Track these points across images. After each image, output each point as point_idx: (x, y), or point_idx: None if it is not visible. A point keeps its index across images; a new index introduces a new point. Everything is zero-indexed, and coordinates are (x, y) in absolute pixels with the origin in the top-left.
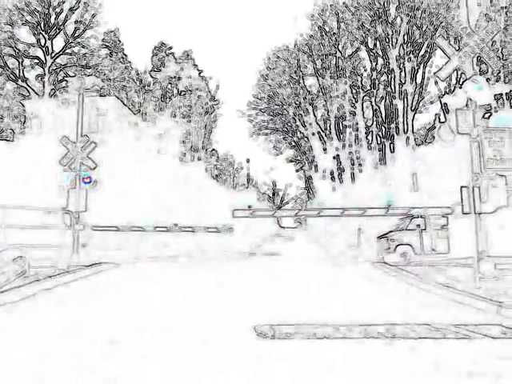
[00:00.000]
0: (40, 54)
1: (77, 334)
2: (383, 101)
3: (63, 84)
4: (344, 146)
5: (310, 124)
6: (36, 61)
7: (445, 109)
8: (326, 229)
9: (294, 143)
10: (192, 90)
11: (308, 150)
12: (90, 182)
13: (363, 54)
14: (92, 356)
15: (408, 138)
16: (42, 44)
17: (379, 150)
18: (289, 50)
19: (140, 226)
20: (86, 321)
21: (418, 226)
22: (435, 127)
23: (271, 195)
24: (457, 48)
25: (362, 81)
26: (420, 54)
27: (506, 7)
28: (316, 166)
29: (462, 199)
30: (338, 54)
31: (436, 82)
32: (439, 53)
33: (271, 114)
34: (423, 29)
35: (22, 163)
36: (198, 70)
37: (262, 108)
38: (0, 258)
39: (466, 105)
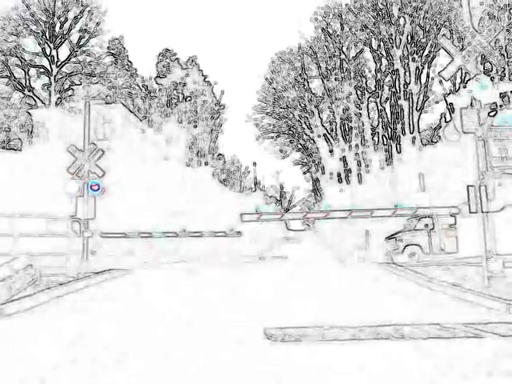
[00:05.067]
0: (46, 63)
1: (91, 340)
2: (388, 101)
3: (69, 92)
4: (350, 147)
5: (316, 126)
6: (42, 70)
7: (450, 108)
8: (334, 230)
9: (300, 146)
10: (197, 95)
11: (314, 153)
12: (98, 189)
13: (367, 55)
14: (106, 362)
15: (414, 138)
16: (48, 53)
17: (385, 151)
18: (293, 53)
19: (148, 232)
20: (99, 327)
21: (426, 226)
22: (441, 127)
23: (279, 198)
24: (460, 47)
25: (366, 82)
26: (424, 54)
27: (509, 5)
28: (323, 168)
29: (468, 198)
30: (342, 56)
31: (441, 82)
32: (443, 52)
33: (277, 117)
34: (426, 29)
35: (30, 172)
36: (203, 75)
37: (267, 111)
38: (11, 267)
39: (471, 104)
